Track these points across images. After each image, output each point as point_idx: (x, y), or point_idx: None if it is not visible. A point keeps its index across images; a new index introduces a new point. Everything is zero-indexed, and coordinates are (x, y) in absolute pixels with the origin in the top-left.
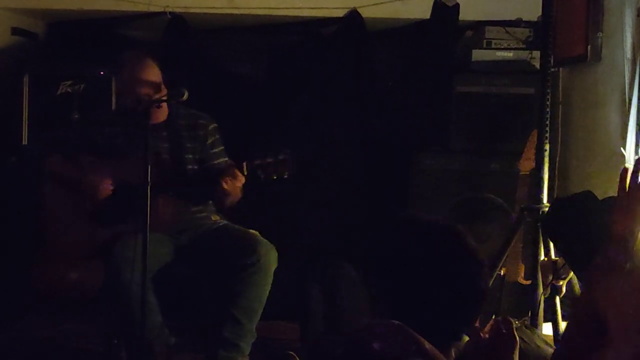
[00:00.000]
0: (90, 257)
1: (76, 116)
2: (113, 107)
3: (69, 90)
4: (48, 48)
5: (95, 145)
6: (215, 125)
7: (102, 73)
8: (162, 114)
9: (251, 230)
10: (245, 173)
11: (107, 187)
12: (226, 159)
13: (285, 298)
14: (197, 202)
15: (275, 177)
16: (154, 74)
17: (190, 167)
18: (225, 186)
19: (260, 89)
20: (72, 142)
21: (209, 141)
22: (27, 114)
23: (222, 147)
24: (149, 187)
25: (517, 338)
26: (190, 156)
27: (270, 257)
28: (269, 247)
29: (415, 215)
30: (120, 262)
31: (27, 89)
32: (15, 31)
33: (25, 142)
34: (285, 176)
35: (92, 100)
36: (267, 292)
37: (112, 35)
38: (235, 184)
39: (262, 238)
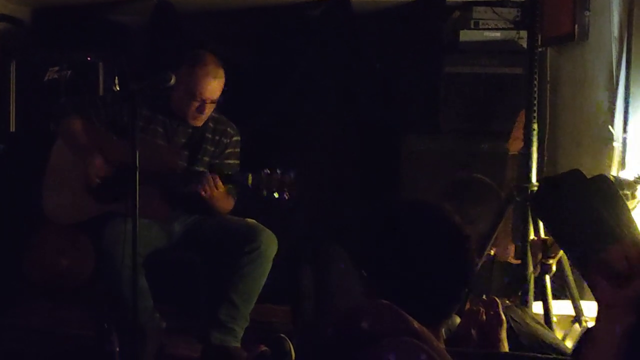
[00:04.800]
0: (77, 227)
1: None
2: (100, 92)
3: (56, 76)
4: (34, 34)
5: (116, 121)
6: (239, 138)
7: (89, 58)
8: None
9: (249, 220)
10: (250, 184)
11: (104, 170)
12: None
13: (276, 281)
14: (193, 205)
15: (276, 195)
16: (219, 90)
17: (198, 168)
18: (202, 192)
19: (247, 72)
20: (96, 110)
21: (228, 151)
22: (14, 101)
23: (238, 162)
24: (137, 172)
25: (504, 317)
26: (206, 159)
27: (271, 246)
28: (270, 235)
29: (403, 197)
30: (110, 247)
31: (14, 76)
32: (0, 18)
33: (13, 129)
34: (286, 197)
35: (79, 86)
36: (265, 279)
37: (99, 21)
38: (211, 191)
39: (262, 226)
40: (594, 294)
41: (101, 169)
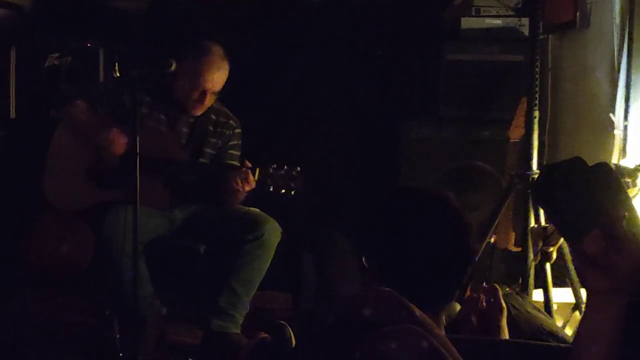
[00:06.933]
0: (77, 215)
1: None
2: (101, 78)
3: (56, 62)
4: (34, 21)
5: (117, 108)
6: (240, 130)
7: (89, 45)
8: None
9: (253, 208)
10: (256, 179)
11: (121, 147)
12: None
13: (277, 268)
14: (199, 196)
15: (283, 191)
16: (222, 81)
17: (202, 160)
18: (234, 185)
19: (247, 60)
20: (98, 98)
21: (231, 142)
22: (14, 87)
23: (239, 153)
24: (137, 158)
25: (504, 305)
26: (209, 150)
27: (275, 235)
28: (274, 224)
29: (403, 184)
30: (110, 234)
31: (14, 63)
32: (0, 4)
33: (13, 115)
34: (293, 193)
35: (79, 72)
36: (267, 267)
37: (98, 7)
38: (244, 187)
39: (266, 215)
40: (581, 282)
41: (119, 146)
